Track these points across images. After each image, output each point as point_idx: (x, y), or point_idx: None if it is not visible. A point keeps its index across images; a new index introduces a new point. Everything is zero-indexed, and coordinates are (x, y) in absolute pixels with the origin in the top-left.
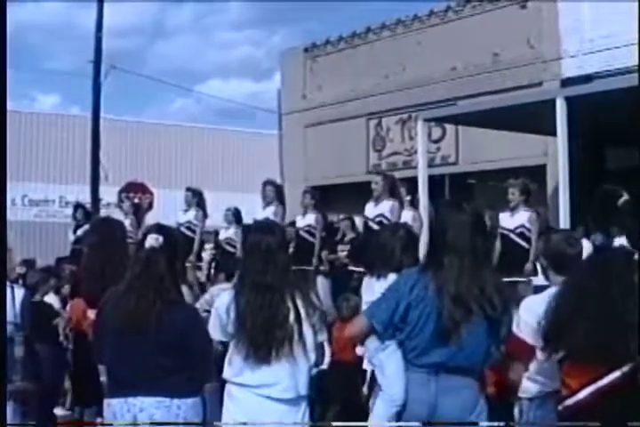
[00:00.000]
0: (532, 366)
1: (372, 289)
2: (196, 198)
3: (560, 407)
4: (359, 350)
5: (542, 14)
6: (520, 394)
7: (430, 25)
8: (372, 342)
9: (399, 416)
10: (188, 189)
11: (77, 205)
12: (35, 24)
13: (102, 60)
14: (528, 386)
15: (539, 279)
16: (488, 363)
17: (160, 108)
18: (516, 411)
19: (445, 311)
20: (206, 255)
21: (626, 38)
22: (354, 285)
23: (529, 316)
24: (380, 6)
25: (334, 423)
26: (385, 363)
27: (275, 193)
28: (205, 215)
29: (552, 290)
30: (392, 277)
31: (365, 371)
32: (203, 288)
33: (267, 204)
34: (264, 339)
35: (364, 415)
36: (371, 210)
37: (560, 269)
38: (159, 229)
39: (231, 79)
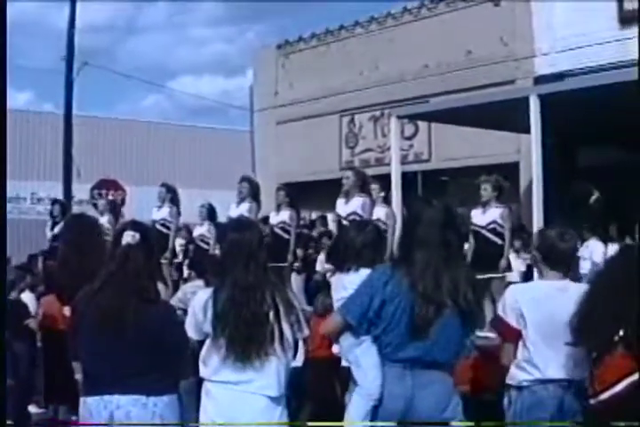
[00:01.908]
0: (519, 354)
1: (343, 284)
2: (170, 194)
3: (593, 401)
4: (335, 349)
5: (515, 12)
6: (507, 381)
7: (403, 22)
8: (347, 338)
9: (375, 411)
10: (163, 185)
11: (54, 201)
12: (8, 20)
13: (75, 56)
14: (515, 373)
15: (513, 276)
16: (461, 357)
17: (132, 104)
18: (505, 400)
19: (418, 306)
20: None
21: (598, 36)
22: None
23: (514, 302)
24: (352, 4)
25: (310, 423)
26: (361, 358)
27: (249, 190)
28: (179, 212)
29: (541, 282)
30: (363, 271)
31: (342, 368)
32: (175, 285)
33: (240, 200)
34: (246, 337)
35: (340, 412)
36: (342, 207)
37: (553, 263)
38: (135, 225)
39: (203, 76)
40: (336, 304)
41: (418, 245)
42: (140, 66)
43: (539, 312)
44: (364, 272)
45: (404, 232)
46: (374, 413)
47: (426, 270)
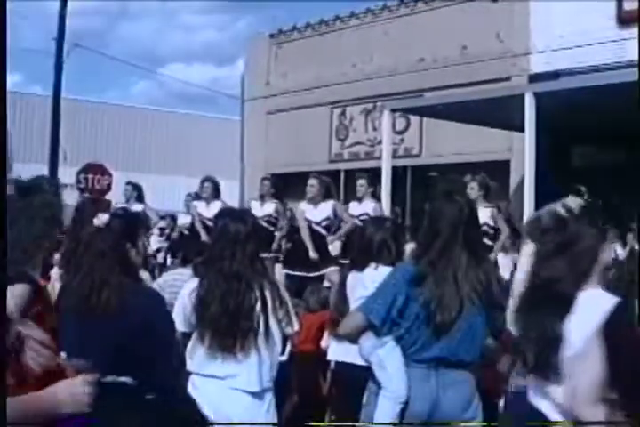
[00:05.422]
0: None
1: (363, 283)
2: (137, 192)
3: None
4: (324, 343)
5: (513, 9)
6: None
7: (399, 15)
8: (368, 338)
9: (401, 414)
10: (128, 184)
11: None
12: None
13: (65, 38)
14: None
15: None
16: (484, 356)
17: (122, 89)
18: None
19: (445, 304)
20: (153, 241)
21: (596, 36)
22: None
23: None
24: None
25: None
26: (385, 360)
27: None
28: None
29: None
30: (383, 269)
31: (327, 363)
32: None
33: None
34: (228, 328)
35: (323, 407)
36: (311, 212)
37: None
38: (113, 211)
39: (194, 64)
40: (354, 304)
41: (441, 242)
42: (130, 51)
43: None
44: (385, 270)
45: (427, 229)
46: (402, 415)
47: (452, 266)
